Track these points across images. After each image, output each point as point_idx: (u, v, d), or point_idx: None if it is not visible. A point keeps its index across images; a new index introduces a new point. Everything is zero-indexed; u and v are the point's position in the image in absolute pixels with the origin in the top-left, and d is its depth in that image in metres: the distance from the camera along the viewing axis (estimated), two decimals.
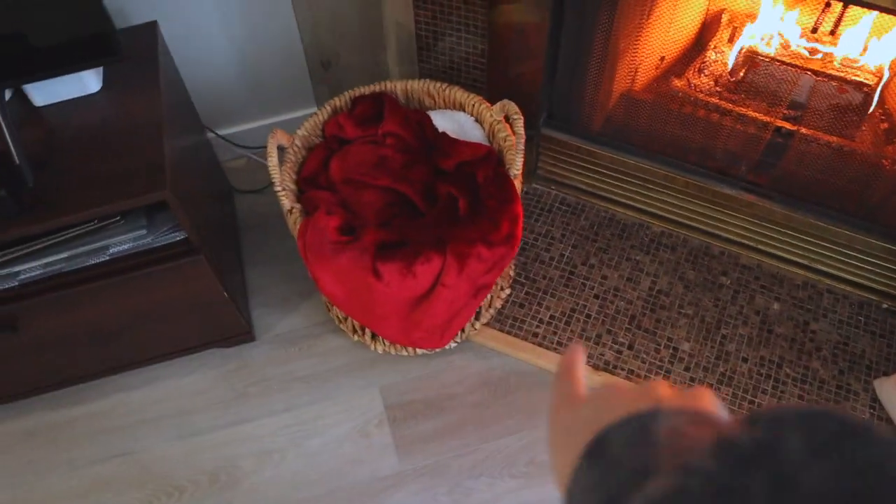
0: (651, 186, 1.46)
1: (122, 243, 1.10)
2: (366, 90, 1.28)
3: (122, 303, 1.16)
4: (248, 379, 1.34)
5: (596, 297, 1.40)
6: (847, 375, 1.30)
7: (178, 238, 1.11)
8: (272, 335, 1.39)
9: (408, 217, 1.16)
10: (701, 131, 1.38)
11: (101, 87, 1.14)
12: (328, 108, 1.26)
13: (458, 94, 1.26)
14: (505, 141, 1.18)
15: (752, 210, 1.39)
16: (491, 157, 1.16)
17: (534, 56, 1.30)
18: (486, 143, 1.23)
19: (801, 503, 0.21)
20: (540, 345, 1.34)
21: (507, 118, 1.19)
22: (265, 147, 1.14)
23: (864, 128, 1.31)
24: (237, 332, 1.35)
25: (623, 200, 1.51)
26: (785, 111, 1.33)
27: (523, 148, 1.11)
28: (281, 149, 1.17)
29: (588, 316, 1.38)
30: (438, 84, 1.27)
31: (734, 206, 1.41)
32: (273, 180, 1.10)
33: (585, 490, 0.28)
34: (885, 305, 1.39)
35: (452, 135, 1.23)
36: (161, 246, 1.11)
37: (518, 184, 1.13)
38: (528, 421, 1.28)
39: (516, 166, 1.11)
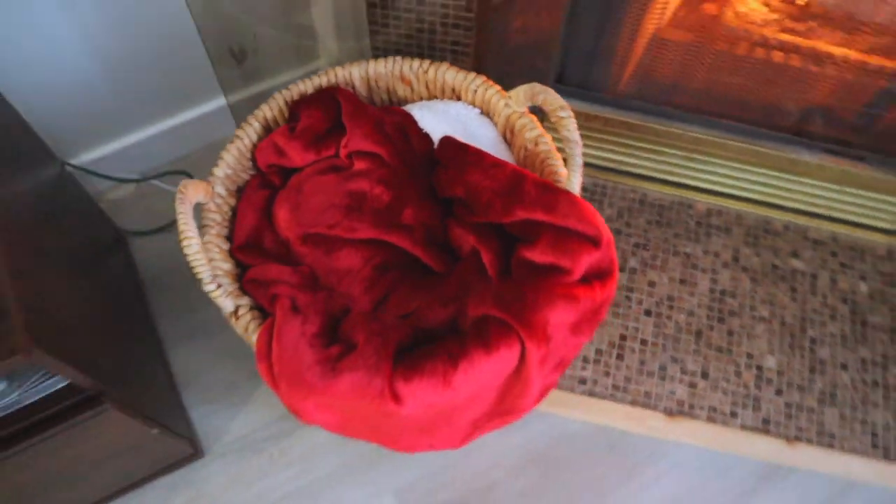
0: (696, 156, 1.12)
1: None
2: (307, 86, 0.84)
3: None
4: None
5: (647, 313, 1.07)
6: None
7: (60, 385, 0.69)
8: (226, 444, 0.99)
9: (412, 280, 0.78)
10: (767, 78, 1.03)
11: None
12: (255, 123, 0.82)
13: (449, 74, 0.84)
14: (537, 145, 0.79)
15: (826, 173, 1.08)
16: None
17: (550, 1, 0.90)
18: (502, 147, 0.84)
19: None
20: (591, 394, 1.01)
21: (532, 110, 0.80)
22: (163, 183, 0.71)
23: None
24: (178, 455, 0.95)
25: (656, 175, 1.16)
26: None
27: (581, 161, 0.73)
28: (196, 206, 0.74)
29: (643, 342, 1.05)
30: (416, 63, 0.84)
31: (802, 169, 1.10)
32: (200, 275, 0.67)
33: None
34: None
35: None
36: (37, 402, 0.69)
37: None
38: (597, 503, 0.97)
39: (573, 184, 0.73)
